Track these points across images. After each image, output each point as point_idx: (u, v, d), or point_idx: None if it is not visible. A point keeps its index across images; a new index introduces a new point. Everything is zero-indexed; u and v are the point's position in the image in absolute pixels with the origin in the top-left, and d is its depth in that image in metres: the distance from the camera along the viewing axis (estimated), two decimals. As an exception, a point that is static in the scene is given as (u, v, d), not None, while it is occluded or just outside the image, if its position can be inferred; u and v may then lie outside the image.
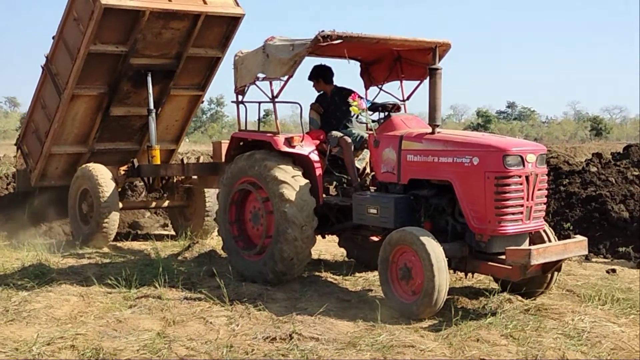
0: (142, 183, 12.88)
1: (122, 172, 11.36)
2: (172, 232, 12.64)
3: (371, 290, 7.85)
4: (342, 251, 9.58)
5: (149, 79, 11.24)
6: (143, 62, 11.13)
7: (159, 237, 12.02)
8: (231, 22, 11.35)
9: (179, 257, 9.95)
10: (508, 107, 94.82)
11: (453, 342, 5.93)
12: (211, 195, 11.74)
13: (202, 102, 12.60)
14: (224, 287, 7.37)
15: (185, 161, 11.69)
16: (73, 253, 10.28)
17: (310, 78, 8.87)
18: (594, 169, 13.49)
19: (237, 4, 11.28)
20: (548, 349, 5.72)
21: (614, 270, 8.71)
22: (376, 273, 7.76)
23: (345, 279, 8.38)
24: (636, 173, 14.21)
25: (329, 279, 8.41)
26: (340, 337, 6.12)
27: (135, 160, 11.41)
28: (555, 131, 77.28)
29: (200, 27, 10.98)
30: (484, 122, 74.14)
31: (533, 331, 6.18)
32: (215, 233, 11.64)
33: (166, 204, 12.03)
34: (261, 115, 9.05)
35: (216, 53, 11.70)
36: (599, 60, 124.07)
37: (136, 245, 11.40)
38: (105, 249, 10.68)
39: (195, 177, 11.56)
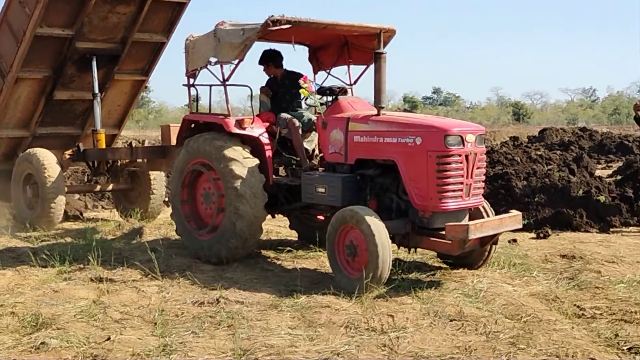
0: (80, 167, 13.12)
1: (67, 156, 11.61)
2: (104, 214, 13.08)
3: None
4: (288, 231, 10.16)
5: (94, 63, 11.53)
6: (88, 46, 11.43)
7: (95, 220, 12.48)
8: (176, 8, 11.74)
9: (111, 236, 10.49)
10: (434, 93, 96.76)
11: (365, 302, 6.62)
12: (156, 179, 12.16)
13: (146, 87, 12.92)
14: (155, 260, 7.95)
15: (133, 144, 11.97)
16: (6, 234, 10.60)
17: (260, 62, 9.32)
18: (502, 150, 14.55)
19: None
20: (448, 306, 6.47)
21: (514, 240, 9.65)
22: (318, 251, 8.72)
23: (284, 256, 8.96)
24: (539, 153, 15.35)
25: (264, 255, 9.06)
26: (263, 300, 6.81)
27: (80, 145, 11.70)
28: (479, 116, 78.86)
29: (147, 12, 11.32)
30: (410, 107, 75.28)
31: (436, 291, 7.00)
32: (162, 215, 12.09)
33: (111, 187, 12.37)
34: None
35: (161, 38, 12.08)
36: (521, 46, 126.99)
37: (67, 225, 11.76)
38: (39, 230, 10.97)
39: (142, 160, 11.88)
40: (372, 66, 7.98)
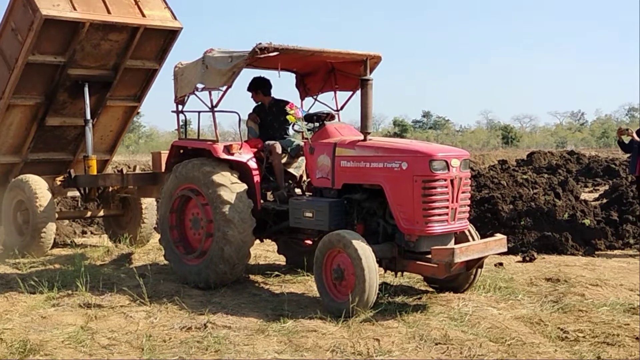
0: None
1: (59, 183, 11.59)
2: (93, 239, 13.03)
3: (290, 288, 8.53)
4: (277, 256, 10.18)
5: (86, 90, 11.54)
6: (81, 73, 11.44)
7: (84, 246, 12.42)
8: (169, 35, 11.77)
9: (100, 261, 10.47)
10: (423, 116, 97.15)
11: (351, 326, 6.68)
12: (147, 205, 12.14)
13: (138, 113, 12.94)
14: (143, 285, 7.94)
15: (124, 171, 11.92)
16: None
17: (249, 89, 9.38)
18: (489, 173, 14.56)
19: (175, 18, 11.71)
20: (433, 329, 6.52)
21: (501, 264, 9.69)
22: (305, 275, 8.80)
23: (272, 280, 8.97)
24: (526, 176, 15.47)
25: (252, 279, 9.07)
26: (250, 325, 6.83)
27: (71, 171, 11.68)
28: (468, 139, 79.24)
29: (139, 39, 11.37)
30: (400, 131, 75.64)
31: (422, 315, 7.06)
32: (152, 240, 12.06)
33: (101, 213, 12.31)
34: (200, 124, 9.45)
35: (153, 65, 12.10)
36: (510, 70, 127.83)
37: (55, 251, 11.70)
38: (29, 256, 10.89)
39: (132, 187, 11.81)
40: (358, 92, 8.02)
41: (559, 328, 6.57)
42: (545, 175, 17.82)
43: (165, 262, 9.35)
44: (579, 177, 22.38)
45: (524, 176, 16.21)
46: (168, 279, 8.95)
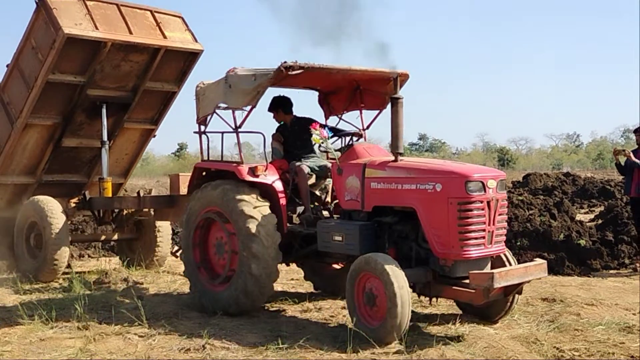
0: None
1: (73, 205, 11.12)
2: (91, 263, 12.65)
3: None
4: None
5: (104, 111, 11.11)
6: (99, 94, 11.01)
7: (82, 268, 12.02)
8: (189, 57, 11.37)
9: (98, 284, 10.07)
10: (420, 139, 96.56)
11: (347, 346, 6.42)
12: (162, 229, 11.65)
13: (154, 136, 12.43)
14: (141, 307, 7.70)
15: (141, 194, 11.36)
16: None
17: (269, 109, 8.86)
18: None
19: (196, 40, 11.31)
20: (430, 349, 6.41)
21: None
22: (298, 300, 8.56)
23: (269, 301, 8.55)
24: (521, 198, 15.21)
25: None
26: (248, 346, 6.67)
27: (86, 193, 11.23)
28: (465, 162, 78.59)
29: (159, 61, 10.95)
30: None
31: (419, 335, 6.86)
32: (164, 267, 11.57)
33: (116, 236, 11.84)
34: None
35: (172, 87, 11.67)
36: (506, 92, 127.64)
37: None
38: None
39: (148, 210, 11.39)
40: (384, 111, 7.71)
41: (554, 347, 6.47)
42: (541, 197, 17.77)
43: (164, 284, 9.35)
44: (574, 199, 22.09)
45: (520, 197, 16.19)
46: (166, 301, 8.76)
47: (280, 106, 8.85)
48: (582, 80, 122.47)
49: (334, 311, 8.17)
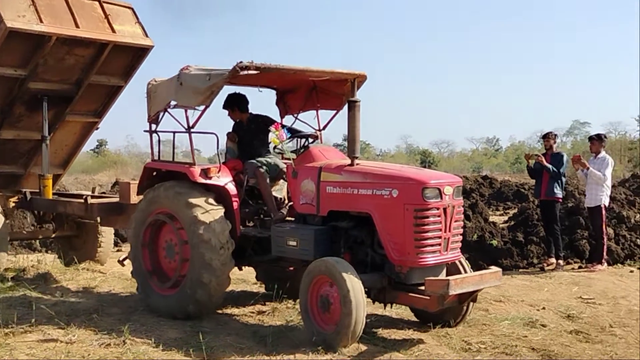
0: None
1: (12, 204, 10.52)
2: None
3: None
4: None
5: (45, 104, 10.45)
6: (41, 87, 10.30)
7: None
8: (138, 52, 10.76)
9: (17, 281, 9.63)
10: (344, 140, 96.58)
11: (269, 342, 6.59)
12: (105, 229, 11.10)
13: (97, 128, 11.81)
14: (61, 303, 7.76)
15: (89, 200, 10.44)
16: None
17: (225, 107, 8.48)
18: None
19: (146, 35, 10.69)
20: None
21: None
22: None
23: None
24: None
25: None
26: (169, 341, 6.65)
27: (27, 192, 10.63)
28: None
29: (107, 55, 10.33)
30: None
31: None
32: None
33: (55, 234, 11.26)
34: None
35: (118, 82, 11.02)
36: (429, 96, 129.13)
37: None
38: None
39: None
40: (342, 113, 7.49)
41: (463, 340, 6.71)
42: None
43: (84, 280, 9.21)
44: (491, 201, 22.42)
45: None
46: (86, 297, 8.57)
47: (236, 104, 8.48)
48: (502, 86, 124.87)
49: (265, 309, 8.12)
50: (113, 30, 10.24)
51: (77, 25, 9.88)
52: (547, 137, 11.75)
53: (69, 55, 10.14)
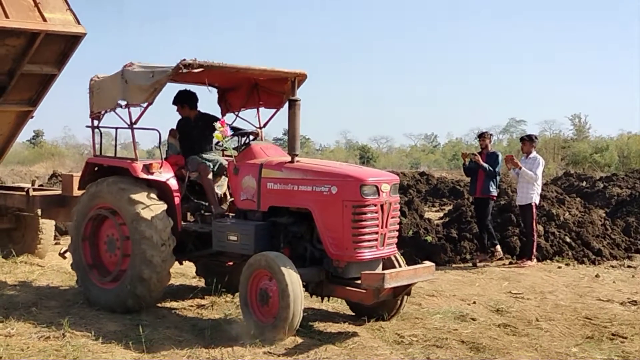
0: None
1: None
2: None
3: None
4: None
5: None
6: None
7: None
8: (71, 40, 10.53)
9: None
10: (284, 134, 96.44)
11: (207, 334, 6.67)
12: (46, 221, 11.02)
13: (32, 117, 11.61)
14: None
15: (30, 193, 10.42)
16: None
17: (175, 103, 8.54)
18: None
19: (79, 22, 10.46)
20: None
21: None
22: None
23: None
24: None
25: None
26: (109, 334, 6.72)
27: None
28: (328, 159, 79.39)
29: (39, 44, 10.10)
30: (262, 148, 74.91)
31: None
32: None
33: None
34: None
35: (52, 70, 10.78)
36: (367, 91, 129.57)
37: None
38: None
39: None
40: (282, 110, 7.70)
41: (396, 333, 6.93)
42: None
43: (21, 274, 9.15)
44: (427, 197, 22.79)
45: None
46: (24, 291, 8.57)
47: (188, 101, 8.53)
48: (440, 83, 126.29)
49: (204, 302, 8.24)
50: (44, 19, 9.99)
51: (6, 16, 9.64)
52: (482, 136, 12.13)
53: (0, 46, 9.92)
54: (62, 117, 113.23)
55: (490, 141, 12.13)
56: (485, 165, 11.52)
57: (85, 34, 10.54)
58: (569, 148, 50.66)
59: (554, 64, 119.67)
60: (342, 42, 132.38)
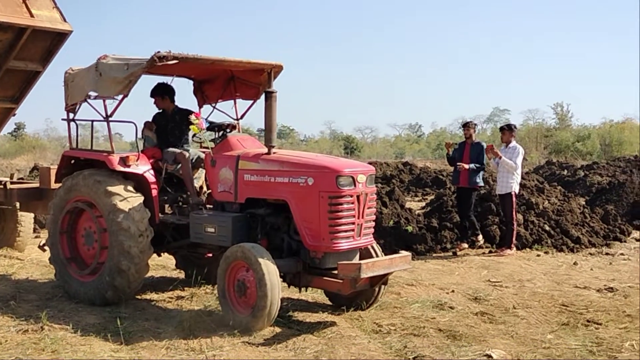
0: None
1: None
2: None
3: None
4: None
5: None
6: None
7: None
8: (57, 37, 10.54)
9: None
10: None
11: (185, 326, 6.68)
12: (25, 214, 10.99)
13: (14, 114, 11.60)
14: None
15: (8, 186, 10.39)
16: None
17: (153, 95, 8.52)
18: None
19: (65, 20, 10.47)
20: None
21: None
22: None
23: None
24: None
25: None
26: (88, 327, 6.77)
27: None
28: (312, 149, 79.45)
29: (25, 40, 10.11)
30: (246, 138, 74.60)
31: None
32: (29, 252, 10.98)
33: None
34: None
35: (37, 67, 10.79)
36: (353, 81, 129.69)
37: None
38: None
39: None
40: (259, 102, 7.68)
41: (374, 322, 7.00)
42: (379, 185, 18.12)
43: (0, 268, 9.11)
44: (410, 187, 22.83)
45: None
46: (3, 283, 8.58)
47: (166, 93, 8.52)
48: (424, 73, 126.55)
49: (184, 294, 8.25)
50: (31, 15, 10.00)
51: None
52: (467, 126, 12.17)
53: None
54: (43, 110, 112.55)
55: (474, 131, 12.16)
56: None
57: (71, 31, 10.56)
58: (551, 137, 50.92)
59: (537, 53, 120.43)
60: (327, 31, 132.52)
